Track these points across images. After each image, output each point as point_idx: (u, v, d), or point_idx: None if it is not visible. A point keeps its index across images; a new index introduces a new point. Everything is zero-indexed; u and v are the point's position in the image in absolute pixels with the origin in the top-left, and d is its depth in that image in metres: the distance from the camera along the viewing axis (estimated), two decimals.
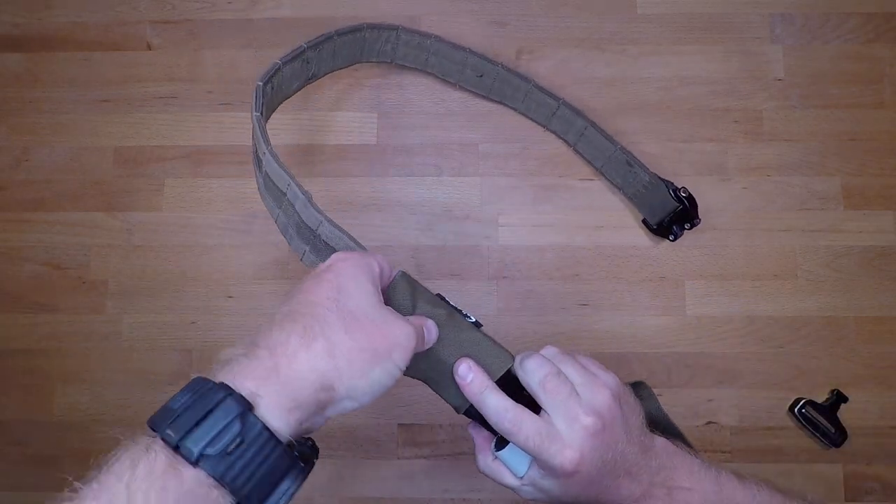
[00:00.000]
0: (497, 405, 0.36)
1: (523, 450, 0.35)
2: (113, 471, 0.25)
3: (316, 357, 0.29)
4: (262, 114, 0.44)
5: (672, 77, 0.65)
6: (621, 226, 0.63)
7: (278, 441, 0.26)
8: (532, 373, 0.36)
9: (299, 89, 0.58)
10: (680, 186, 0.60)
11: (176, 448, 0.25)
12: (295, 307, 0.31)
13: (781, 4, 0.66)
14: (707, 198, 0.63)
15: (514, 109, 0.65)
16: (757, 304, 0.62)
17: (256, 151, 0.43)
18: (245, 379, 0.27)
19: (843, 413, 0.59)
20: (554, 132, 0.65)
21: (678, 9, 0.67)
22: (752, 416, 0.61)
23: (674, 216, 0.60)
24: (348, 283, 0.32)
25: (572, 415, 0.35)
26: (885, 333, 0.61)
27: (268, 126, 0.66)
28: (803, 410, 0.59)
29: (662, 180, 0.60)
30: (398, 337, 0.32)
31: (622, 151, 0.61)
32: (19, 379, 0.63)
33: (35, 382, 0.63)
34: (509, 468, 0.38)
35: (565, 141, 0.64)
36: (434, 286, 0.63)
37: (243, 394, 0.27)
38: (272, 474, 0.26)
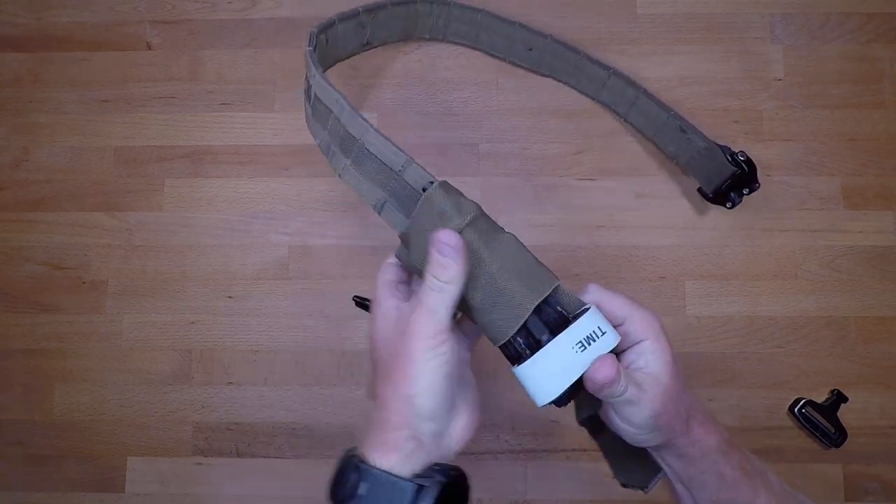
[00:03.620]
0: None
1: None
2: None
3: (379, 412, 0.33)
4: (314, 49, 0.46)
5: (672, 77, 0.65)
6: (621, 226, 0.63)
7: (393, 477, 0.31)
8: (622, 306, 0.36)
9: (354, 54, 0.60)
10: (738, 150, 0.59)
11: None
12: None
13: (781, 4, 0.66)
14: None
15: (564, 83, 0.65)
16: (757, 304, 0.62)
17: (307, 84, 0.44)
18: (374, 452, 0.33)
19: (843, 413, 0.59)
20: (604, 104, 0.65)
21: (678, 9, 0.67)
22: (752, 416, 0.61)
23: (731, 182, 0.60)
24: (373, 335, 0.35)
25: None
26: (885, 333, 0.61)
27: (270, 125, 0.66)
28: (803, 410, 0.59)
29: (719, 146, 0.59)
30: (415, 339, 0.32)
31: (676, 118, 0.60)
32: (19, 379, 0.63)
33: (35, 382, 0.63)
34: (538, 382, 0.34)
35: (615, 112, 0.65)
36: None
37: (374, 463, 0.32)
38: (401, 499, 0.31)
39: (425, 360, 0.32)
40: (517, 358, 0.34)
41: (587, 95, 0.65)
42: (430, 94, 0.66)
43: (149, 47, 0.68)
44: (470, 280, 0.33)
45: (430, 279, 0.33)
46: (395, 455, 0.32)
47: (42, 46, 0.68)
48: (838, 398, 0.59)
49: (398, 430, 0.32)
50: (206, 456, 0.62)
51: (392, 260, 0.38)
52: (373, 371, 0.35)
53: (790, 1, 0.66)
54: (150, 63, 0.68)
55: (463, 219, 0.34)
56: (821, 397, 0.60)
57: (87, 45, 0.68)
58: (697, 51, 0.66)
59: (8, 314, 0.64)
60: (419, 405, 0.32)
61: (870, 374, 0.61)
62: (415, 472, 0.32)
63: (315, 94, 0.42)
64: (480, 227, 0.34)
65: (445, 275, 0.32)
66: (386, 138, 0.37)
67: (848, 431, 0.59)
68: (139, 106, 0.67)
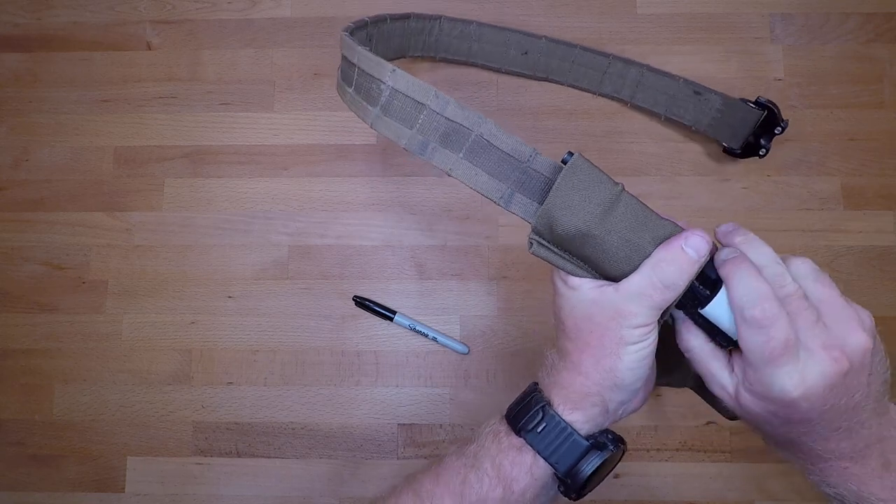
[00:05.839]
0: (752, 282, 0.32)
1: (755, 349, 0.30)
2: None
3: (571, 373, 0.36)
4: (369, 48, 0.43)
5: None
6: None
7: (573, 431, 0.35)
8: (771, 280, 0.32)
9: None
10: (756, 97, 0.60)
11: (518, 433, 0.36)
12: None
13: (781, 4, 0.66)
14: (707, 198, 0.63)
15: (563, 83, 0.65)
16: None
17: (361, 89, 0.41)
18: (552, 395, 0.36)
19: None
20: (606, 95, 0.64)
21: (678, 9, 0.67)
22: None
23: (757, 130, 0.60)
24: (566, 308, 0.36)
25: (816, 344, 0.31)
26: (885, 333, 0.61)
27: (270, 125, 0.66)
28: None
29: (738, 99, 0.60)
30: (627, 326, 0.32)
31: (686, 83, 0.61)
32: (19, 379, 0.63)
33: (35, 382, 0.63)
34: (720, 324, 0.33)
35: (620, 100, 0.64)
36: (434, 286, 0.64)
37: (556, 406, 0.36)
38: (573, 452, 0.35)
39: (634, 343, 0.33)
40: (699, 299, 0.33)
41: (588, 91, 0.65)
42: None
43: (149, 47, 0.68)
44: (638, 233, 0.33)
45: (654, 278, 0.32)
46: (580, 414, 0.35)
47: (42, 46, 0.68)
48: None
49: (590, 395, 0.34)
50: (206, 456, 0.62)
51: None
52: (563, 335, 0.36)
53: (790, 1, 0.66)
54: (150, 63, 0.68)
55: (616, 183, 0.34)
56: None
57: (87, 45, 0.68)
58: (697, 51, 0.66)
59: (7, 314, 0.64)
60: (621, 378, 0.34)
61: None
62: (590, 433, 0.35)
63: (393, 91, 0.39)
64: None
65: (678, 275, 0.32)
66: (502, 131, 0.37)
67: None
68: (139, 106, 0.67)
